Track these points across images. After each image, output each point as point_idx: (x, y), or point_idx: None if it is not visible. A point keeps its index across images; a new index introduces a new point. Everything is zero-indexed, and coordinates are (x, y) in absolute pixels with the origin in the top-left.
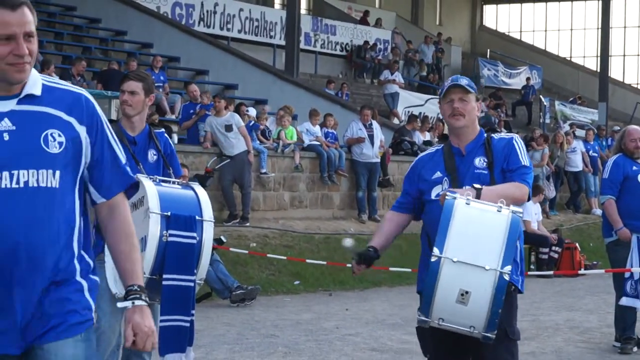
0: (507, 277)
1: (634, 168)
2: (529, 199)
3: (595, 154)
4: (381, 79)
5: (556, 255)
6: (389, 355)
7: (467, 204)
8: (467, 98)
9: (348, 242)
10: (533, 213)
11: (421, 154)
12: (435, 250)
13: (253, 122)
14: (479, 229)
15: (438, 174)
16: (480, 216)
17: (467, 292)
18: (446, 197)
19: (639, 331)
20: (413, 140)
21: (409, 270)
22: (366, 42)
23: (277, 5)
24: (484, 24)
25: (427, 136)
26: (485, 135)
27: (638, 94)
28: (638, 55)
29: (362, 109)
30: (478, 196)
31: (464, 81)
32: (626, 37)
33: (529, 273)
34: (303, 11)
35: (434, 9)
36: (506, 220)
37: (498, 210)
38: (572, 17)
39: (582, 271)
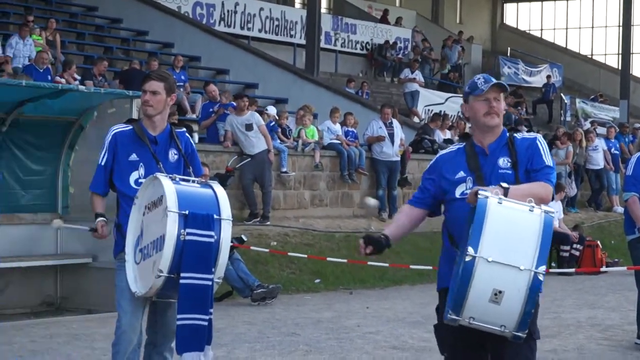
0: (541, 277)
1: None
2: (552, 198)
3: (617, 152)
4: (401, 77)
5: (577, 253)
6: (410, 354)
7: (499, 202)
8: (500, 98)
9: (371, 201)
10: (555, 210)
11: (442, 152)
12: (470, 250)
13: (273, 122)
14: (512, 229)
15: (462, 173)
16: (513, 215)
17: (500, 292)
18: (478, 196)
19: None
20: (433, 139)
21: (430, 268)
22: (386, 41)
23: (297, 5)
24: (504, 22)
25: (448, 134)
26: (507, 134)
27: None
28: None
29: (383, 108)
30: (505, 195)
31: (502, 82)
32: None
33: (550, 271)
34: (323, 10)
35: (455, 7)
36: (539, 220)
37: (530, 210)
38: (594, 14)
39: (603, 269)
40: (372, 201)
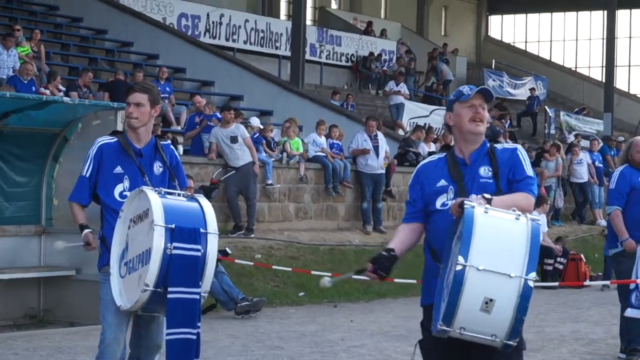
0: (531, 284)
1: None
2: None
3: (601, 165)
4: (386, 89)
5: (561, 267)
6: None
7: (485, 212)
8: (485, 106)
9: (327, 281)
10: (540, 219)
11: (423, 162)
12: (460, 259)
13: (258, 134)
14: (501, 237)
15: (443, 182)
16: (500, 224)
17: (491, 300)
18: (465, 206)
19: None
20: (418, 151)
21: (414, 281)
22: (371, 53)
23: (282, 16)
24: (489, 34)
25: (432, 147)
26: (488, 145)
27: None
28: None
29: (368, 120)
30: (488, 205)
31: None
32: (632, 47)
33: (535, 284)
34: (308, 22)
35: (439, 20)
36: (527, 228)
37: (516, 218)
38: (578, 27)
39: (587, 282)
40: (326, 281)
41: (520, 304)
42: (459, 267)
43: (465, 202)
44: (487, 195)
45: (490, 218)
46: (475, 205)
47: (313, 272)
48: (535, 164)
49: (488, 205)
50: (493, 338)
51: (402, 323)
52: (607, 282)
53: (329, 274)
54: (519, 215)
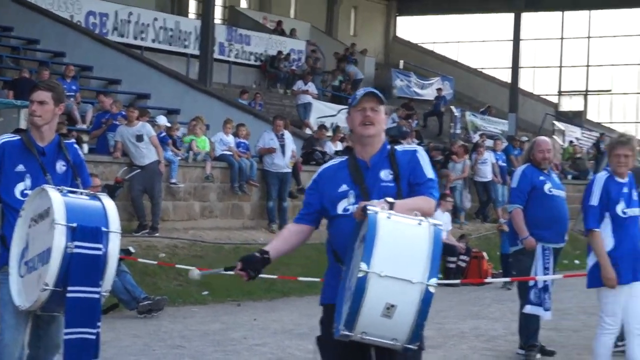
0: (432, 290)
1: (541, 178)
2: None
3: (504, 164)
4: (294, 89)
5: (464, 264)
6: None
7: (388, 217)
8: (378, 108)
9: (195, 274)
10: (442, 223)
11: (324, 166)
12: (363, 265)
13: (164, 132)
14: (403, 243)
15: (344, 187)
16: (403, 230)
17: (393, 306)
18: (368, 211)
19: (543, 338)
20: (324, 150)
21: (318, 280)
22: (280, 52)
23: (191, 15)
24: (397, 35)
25: (339, 146)
26: (389, 147)
27: (547, 105)
28: (548, 67)
29: (275, 119)
30: (391, 210)
31: (377, 92)
32: (536, 49)
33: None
34: (218, 21)
35: (349, 20)
36: (429, 233)
37: (419, 223)
38: (485, 29)
39: (488, 279)
40: (195, 274)
41: (421, 309)
42: (361, 274)
43: (368, 207)
44: (390, 200)
45: (393, 223)
46: (379, 210)
47: None
48: (443, 166)
49: (391, 211)
50: (394, 342)
51: (305, 321)
52: (508, 279)
53: (232, 273)
54: (422, 220)
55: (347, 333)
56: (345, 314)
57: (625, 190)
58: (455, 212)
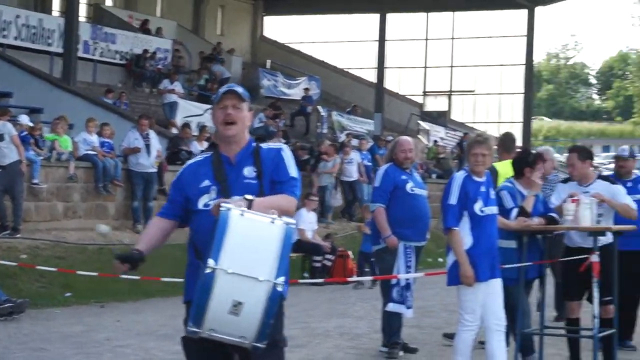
0: (280, 288)
1: (403, 177)
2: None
3: (370, 164)
4: (160, 88)
5: (329, 263)
6: None
7: (241, 215)
8: (241, 106)
9: (102, 228)
10: (308, 222)
11: (189, 162)
12: (210, 262)
13: (26, 132)
14: (253, 240)
15: (206, 183)
16: (254, 227)
17: (240, 303)
18: (220, 208)
19: (405, 336)
20: (190, 150)
21: (182, 280)
22: (145, 51)
23: (55, 12)
24: (264, 34)
25: (205, 145)
26: (254, 144)
27: (412, 105)
28: (413, 67)
29: (140, 119)
30: (249, 207)
31: (239, 89)
32: (402, 49)
33: (300, 281)
34: (82, 19)
35: (215, 19)
36: (280, 232)
37: (272, 222)
38: (351, 29)
39: (353, 278)
40: (102, 228)
41: (268, 307)
42: (208, 270)
43: (222, 203)
44: (249, 197)
45: (246, 221)
46: (232, 207)
47: (78, 272)
48: (314, 166)
49: (245, 208)
50: (242, 340)
51: (169, 322)
52: (370, 278)
53: (96, 273)
54: (275, 218)
55: (195, 330)
56: (194, 310)
57: (483, 189)
58: (323, 212)
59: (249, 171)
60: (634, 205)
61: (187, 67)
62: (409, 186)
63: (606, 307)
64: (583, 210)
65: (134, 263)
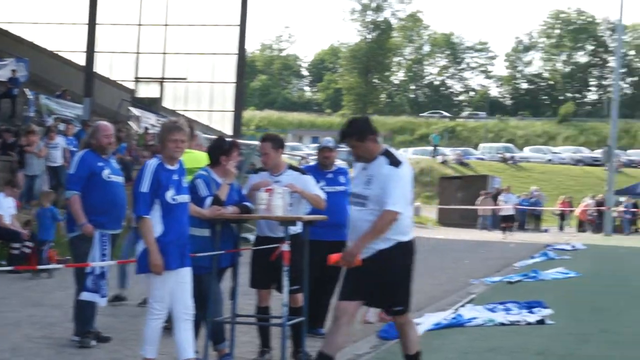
0: None
1: (100, 164)
2: None
3: (75, 149)
4: None
5: (28, 251)
6: None
7: None
8: None
9: None
10: (6, 207)
11: None
12: None
13: None
14: None
15: None
16: None
17: None
18: None
19: (99, 324)
20: None
21: None
22: None
23: None
24: None
25: None
26: None
27: (124, 90)
28: (125, 52)
29: None
30: None
31: None
32: (114, 34)
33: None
34: None
35: None
36: None
37: None
38: (62, 11)
39: (43, 267)
40: None
41: None
42: None
43: None
44: None
45: None
46: None
47: None
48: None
49: None
50: None
51: None
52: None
53: None
54: None
55: None
56: None
57: (176, 177)
58: (29, 199)
59: None
60: (323, 196)
61: None
62: (105, 173)
63: (295, 296)
64: (276, 200)
65: None
